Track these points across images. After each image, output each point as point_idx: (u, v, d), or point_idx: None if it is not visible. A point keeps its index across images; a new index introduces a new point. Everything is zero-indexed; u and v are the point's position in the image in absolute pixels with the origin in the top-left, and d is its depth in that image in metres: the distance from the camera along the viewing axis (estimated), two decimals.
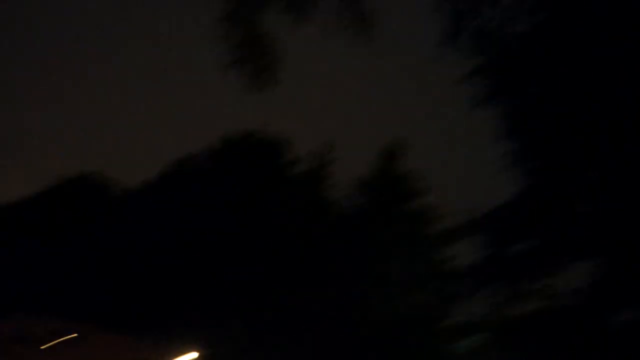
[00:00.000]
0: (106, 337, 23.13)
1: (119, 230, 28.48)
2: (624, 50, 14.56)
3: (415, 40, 21.38)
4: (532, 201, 20.70)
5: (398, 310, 25.08)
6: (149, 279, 24.61)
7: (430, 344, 26.33)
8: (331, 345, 21.83)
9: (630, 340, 17.97)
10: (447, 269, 27.17)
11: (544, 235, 21.13)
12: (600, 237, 18.50)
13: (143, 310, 23.63)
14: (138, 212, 28.39)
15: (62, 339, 22.13)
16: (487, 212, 23.02)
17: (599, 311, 19.63)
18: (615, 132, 16.23)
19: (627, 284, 18.05)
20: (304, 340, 20.86)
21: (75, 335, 22.36)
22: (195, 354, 24.10)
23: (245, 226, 24.22)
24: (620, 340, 18.54)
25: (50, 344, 21.76)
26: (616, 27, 14.64)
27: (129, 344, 23.45)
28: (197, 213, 25.28)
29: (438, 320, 27.35)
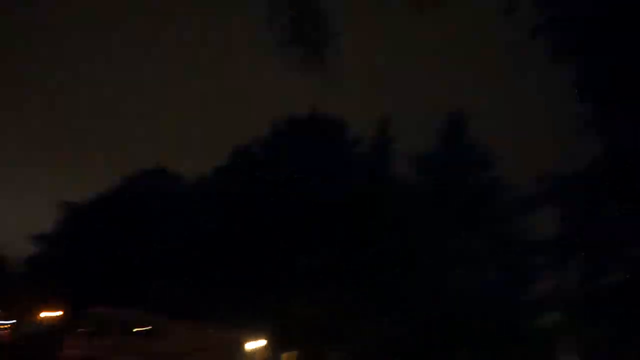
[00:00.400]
0: (181, 326, 23.68)
1: (188, 220, 28.98)
2: None
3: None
4: (614, 164, 18.93)
5: (475, 287, 23.88)
6: (217, 268, 24.87)
7: (510, 320, 25.02)
8: (408, 325, 21.02)
9: None
10: (525, 242, 25.60)
11: (629, 201, 19.32)
12: None
13: (213, 298, 23.93)
14: (205, 201, 28.74)
15: (142, 329, 22.93)
16: (564, 179, 21.42)
17: None
18: None
19: None
20: (382, 320, 20.22)
21: (153, 326, 23.09)
22: (264, 341, 24.36)
23: (313, 208, 23.71)
24: None
25: (132, 332, 22.60)
26: None
27: (203, 331, 23.92)
28: (265, 198, 25.11)
29: (518, 295, 25.92)
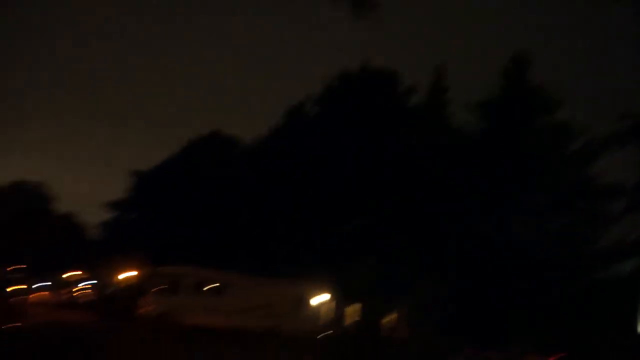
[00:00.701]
0: (249, 282, 24.43)
1: (245, 181, 29.32)
2: None
3: None
4: None
5: (543, 235, 22.75)
6: (282, 225, 25.08)
7: (580, 269, 23.88)
8: (477, 274, 20.40)
9: None
10: (595, 188, 24.02)
11: None
12: None
13: (279, 255, 24.33)
14: (262, 162, 28.89)
15: (211, 286, 23.89)
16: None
17: None
18: None
19: None
20: (445, 274, 19.71)
21: (222, 283, 23.98)
22: (328, 295, 24.79)
23: (373, 162, 23.08)
24: None
25: (202, 290, 23.59)
26: None
27: (270, 287, 24.58)
28: (319, 156, 24.81)
29: (587, 244, 24.59)
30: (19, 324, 13.37)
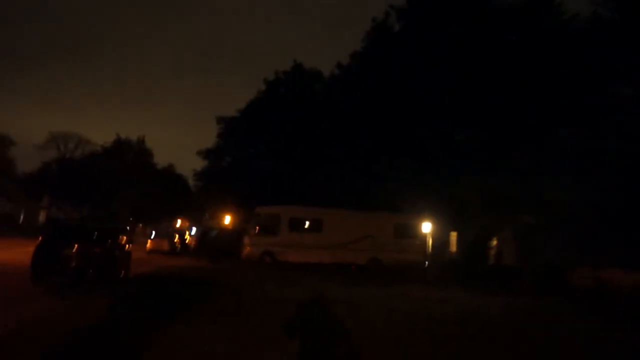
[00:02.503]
0: (347, 215, 23.80)
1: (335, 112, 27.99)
2: None
3: None
4: None
5: None
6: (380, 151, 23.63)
7: None
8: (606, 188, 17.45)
9: None
10: None
11: None
12: None
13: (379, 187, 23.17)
14: (348, 90, 27.21)
15: (310, 222, 23.63)
16: None
17: None
18: None
19: None
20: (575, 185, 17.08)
21: (317, 218, 23.59)
22: (429, 223, 23.52)
23: (472, 69, 20.01)
24: None
25: (299, 227, 23.41)
26: None
27: (370, 218, 23.81)
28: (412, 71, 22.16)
29: None
30: (124, 274, 13.76)
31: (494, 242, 29.03)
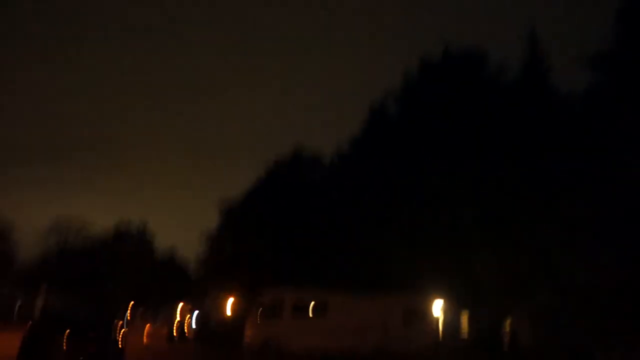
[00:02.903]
0: (355, 300, 22.86)
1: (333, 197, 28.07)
2: None
3: None
4: None
5: None
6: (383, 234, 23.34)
7: None
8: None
9: None
10: None
11: None
12: None
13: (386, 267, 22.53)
14: (348, 175, 27.38)
15: (314, 306, 22.65)
16: None
17: None
18: None
19: None
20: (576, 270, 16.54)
21: (323, 302, 22.62)
22: (441, 304, 22.44)
23: (475, 149, 20.11)
24: None
25: (304, 310, 22.43)
26: None
27: (379, 302, 22.83)
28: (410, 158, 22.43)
29: None
30: None
31: (508, 323, 27.75)
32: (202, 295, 50.26)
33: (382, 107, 24.83)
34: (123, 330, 14.32)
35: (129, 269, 57.08)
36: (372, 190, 23.20)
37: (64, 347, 10.48)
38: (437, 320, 24.04)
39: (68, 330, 10.68)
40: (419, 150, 20.14)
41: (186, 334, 33.34)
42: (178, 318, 34.83)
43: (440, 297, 22.78)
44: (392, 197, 21.48)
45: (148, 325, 30.14)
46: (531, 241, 16.74)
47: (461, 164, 18.65)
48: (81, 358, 10.70)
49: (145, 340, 27.23)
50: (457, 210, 18.90)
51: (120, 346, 13.01)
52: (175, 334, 29.42)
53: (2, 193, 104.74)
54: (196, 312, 44.27)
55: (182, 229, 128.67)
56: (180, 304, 51.75)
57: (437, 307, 23.74)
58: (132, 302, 65.81)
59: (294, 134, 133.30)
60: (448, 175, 18.99)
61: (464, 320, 29.39)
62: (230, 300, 38.34)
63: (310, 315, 22.94)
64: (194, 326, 35.99)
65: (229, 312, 36.93)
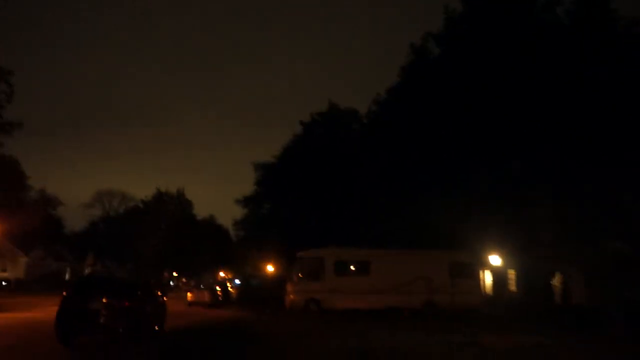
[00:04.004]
0: (397, 256, 22.12)
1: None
2: None
3: None
4: None
5: None
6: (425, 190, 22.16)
7: None
8: None
9: None
10: None
11: None
12: None
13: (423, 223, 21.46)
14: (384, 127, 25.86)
15: (357, 265, 22.07)
16: None
17: None
18: None
19: None
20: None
21: (365, 261, 22.03)
22: (486, 260, 21.40)
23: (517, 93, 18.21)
24: None
25: (345, 271, 21.90)
26: None
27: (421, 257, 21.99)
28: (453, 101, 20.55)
29: None
30: (157, 329, 12.60)
31: (558, 280, 26.59)
32: (242, 258, 50.85)
33: (423, 48, 22.92)
34: (162, 297, 14.02)
35: (169, 231, 57.75)
36: (414, 141, 21.80)
37: (100, 318, 10.16)
38: (484, 274, 23.17)
39: (104, 300, 10.34)
40: (463, 95, 18.55)
41: (229, 297, 33.59)
42: (220, 284, 35.13)
43: (489, 252, 21.81)
44: (436, 148, 20.12)
45: (190, 293, 30.21)
46: (596, 184, 15.08)
47: (512, 107, 17.05)
48: (120, 326, 10.39)
49: (188, 305, 27.39)
50: (507, 159, 17.41)
51: (158, 311, 12.70)
52: (217, 299, 29.43)
53: (48, 167, 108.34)
54: (237, 277, 44.86)
55: (220, 196, 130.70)
56: (222, 270, 52.55)
57: (485, 262, 22.81)
58: (172, 270, 67.42)
59: (330, 95, 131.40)
60: (498, 120, 17.43)
61: (512, 274, 28.41)
62: (271, 262, 38.50)
63: (353, 273, 22.58)
64: (236, 290, 36.31)
65: (270, 274, 37.09)
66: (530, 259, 20.40)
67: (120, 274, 21.88)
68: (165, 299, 14.21)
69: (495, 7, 19.72)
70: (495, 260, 20.42)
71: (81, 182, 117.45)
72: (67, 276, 55.29)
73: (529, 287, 23.66)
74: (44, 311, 17.99)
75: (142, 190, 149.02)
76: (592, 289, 23.32)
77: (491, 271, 26.99)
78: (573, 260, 21.92)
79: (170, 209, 61.24)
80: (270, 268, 37.74)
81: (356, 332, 14.71)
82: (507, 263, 24.30)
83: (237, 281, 46.10)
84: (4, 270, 49.51)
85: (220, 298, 30.59)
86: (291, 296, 22.04)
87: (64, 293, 11.05)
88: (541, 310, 21.48)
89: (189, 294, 29.85)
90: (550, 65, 16.99)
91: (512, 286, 27.90)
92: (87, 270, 59.51)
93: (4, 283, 44.64)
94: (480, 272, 22.15)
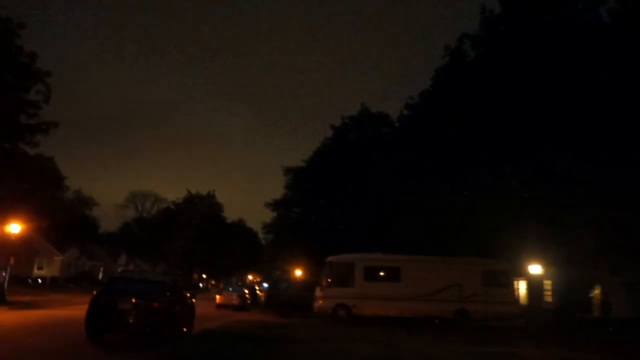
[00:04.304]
0: (429, 263, 21.63)
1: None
2: None
3: None
4: None
5: None
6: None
7: None
8: None
9: None
10: None
11: None
12: None
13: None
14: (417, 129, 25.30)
15: (387, 271, 21.67)
16: None
17: None
18: None
19: None
20: None
21: (395, 267, 21.62)
22: (526, 270, 20.49)
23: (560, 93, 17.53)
24: None
25: (375, 277, 21.53)
26: None
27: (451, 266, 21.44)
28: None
29: None
30: (185, 330, 12.55)
31: (597, 292, 25.58)
32: (271, 262, 50.87)
33: (458, 50, 22.33)
34: (191, 299, 13.97)
35: (200, 233, 58.20)
36: (446, 145, 21.23)
37: (129, 318, 10.15)
38: (517, 287, 22.38)
39: (134, 300, 10.33)
40: (499, 97, 17.96)
41: (258, 301, 33.53)
42: (248, 287, 35.16)
43: (526, 260, 21.03)
44: (470, 152, 19.56)
45: (218, 295, 30.26)
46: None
47: (550, 110, 16.37)
48: (149, 326, 10.36)
49: (217, 308, 27.43)
50: (547, 159, 16.62)
51: (186, 313, 12.64)
52: (245, 302, 29.40)
53: (83, 169, 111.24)
54: (265, 281, 44.82)
55: (249, 200, 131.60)
56: (250, 274, 52.59)
57: (520, 270, 22.03)
58: (202, 272, 67.89)
59: (362, 99, 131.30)
60: (538, 122, 16.71)
61: (548, 284, 27.45)
62: (300, 267, 38.33)
63: (383, 279, 22.17)
64: (264, 294, 36.23)
65: (298, 278, 36.90)
66: (570, 269, 19.56)
67: (151, 274, 22.04)
68: (194, 300, 14.16)
69: (534, 6, 19.06)
70: (535, 269, 19.48)
71: (114, 182, 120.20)
72: (100, 275, 56.40)
73: (566, 299, 22.80)
74: (77, 309, 18.25)
75: (174, 192, 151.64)
76: (633, 301, 22.38)
77: (526, 281, 26.09)
78: (617, 271, 20.97)
79: (200, 210, 61.80)
80: (298, 272, 37.57)
81: (386, 340, 14.33)
82: (544, 273, 23.46)
83: (266, 285, 46.09)
84: (41, 268, 50.74)
85: (248, 301, 30.61)
86: (320, 301, 21.78)
87: (94, 292, 11.12)
88: (578, 323, 20.64)
89: (217, 297, 29.94)
90: (595, 65, 16.32)
91: (549, 297, 26.99)
92: (119, 270, 60.65)
93: (39, 281, 45.74)
94: (515, 282, 21.41)
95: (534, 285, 23.77)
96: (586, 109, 16.02)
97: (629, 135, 15.38)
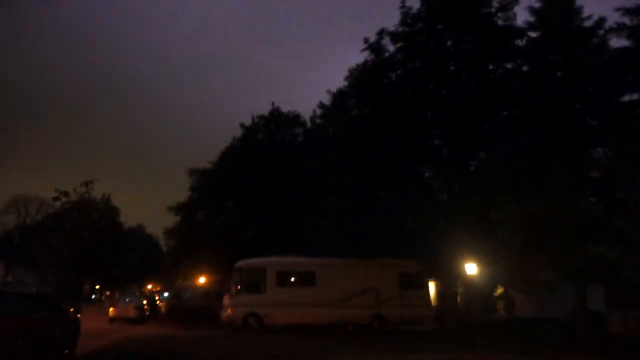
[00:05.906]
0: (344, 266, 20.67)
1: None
2: None
3: None
4: None
5: None
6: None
7: None
8: None
9: None
10: None
11: None
12: None
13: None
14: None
15: (297, 277, 20.40)
16: None
17: None
18: None
19: None
20: None
21: (310, 270, 20.45)
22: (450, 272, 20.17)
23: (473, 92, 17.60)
24: None
25: (287, 282, 20.25)
26: None
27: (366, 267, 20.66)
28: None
29: None
30: (67, 352, 10.36)
31: (500, 291, 26.11)
32: (173, 270, 47.72)
33: (377, 44, 21.53)
34: (76, 314, 11.78)
35: (92, 240, 53.45)
36: (362, 144, 20.43)
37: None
38: (430, 286, 22.18)
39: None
40: (418, 94, 17.48)
41: (157, 312, 30.83)
42: (147, 297, 32.29)
43: (435, 262, 20.75)
44: (386, 151, 18.89)
45: (112, 307, 27.04)
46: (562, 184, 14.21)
47: (475, 103, 16.12)
48: (15, 356, 8.21)
49: (110, 321, 24.56)
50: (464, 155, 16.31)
51: (68, 332, 10.44)
52: (143, 314, 26.69)
53: None
54: (166, 290, 41.86)
55: (149, 205, 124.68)
56: (150, 283, 49.10)
57: (432, 272, 21.75)
58: (95, 282, 62.59)
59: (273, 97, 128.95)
60: (463, 116, 16.35)
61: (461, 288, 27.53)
62: (205, 274, 35.96)
63: (297, 285, 20.81)
64: (165, 304, 33.48)
65: (203, 286, 34.55)
66: (481, 268, 19.43)
67: (23, 287, 19.07)
68: (78, 316, 11.91)
69: (451, 5, 18.93)
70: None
71: None
72: None
73: (475, 299, 22.86)
74: None
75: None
76: (537, 301, 22.98)
77: (437, 281, 26.13)
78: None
79: (91, 217, 56.61)
80: (203, 280, 35.27)
81: (307, 353, 12.98)
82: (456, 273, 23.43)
83: (167, 294, 43.09)
84: None
85: (147, 313, 27.86)
86: (229, 310, 20.01)
87: None
88: (485, 324, 20.63)
89: (111, 309, 26.73)
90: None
91: (459, 298, 27.15)
92: None
93: None
94: (429, 283, 21.15)
95: (449, 287, 23.69)
96: (497, 106, 16.12)
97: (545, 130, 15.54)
